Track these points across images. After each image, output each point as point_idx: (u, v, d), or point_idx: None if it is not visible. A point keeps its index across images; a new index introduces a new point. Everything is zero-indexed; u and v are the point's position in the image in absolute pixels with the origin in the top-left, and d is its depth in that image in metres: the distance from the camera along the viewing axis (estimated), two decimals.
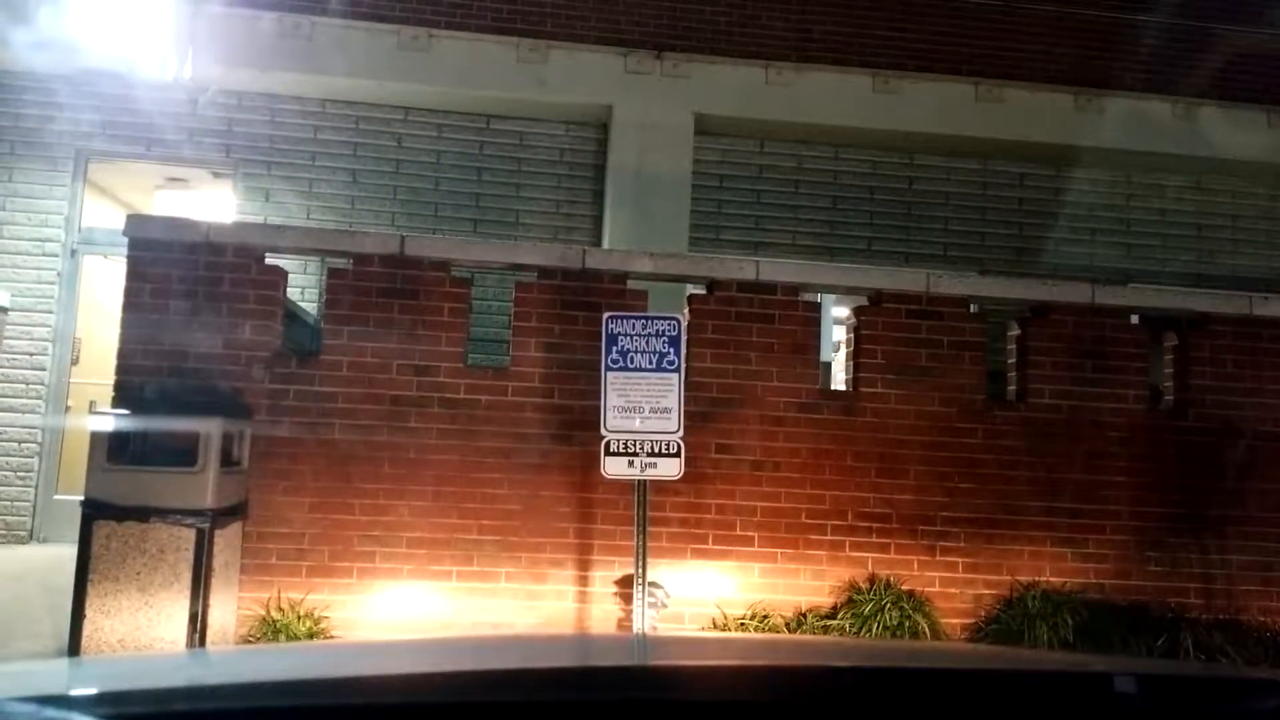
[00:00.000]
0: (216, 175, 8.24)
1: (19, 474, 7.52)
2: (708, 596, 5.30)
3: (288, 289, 5.51)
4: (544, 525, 5.26)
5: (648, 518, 4.70)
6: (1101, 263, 8.78)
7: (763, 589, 5.35)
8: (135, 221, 5.32)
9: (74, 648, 4.37)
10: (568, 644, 2.68)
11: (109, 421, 4.57)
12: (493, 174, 8.25)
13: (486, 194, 8.22)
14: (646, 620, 4.62)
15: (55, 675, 1.74)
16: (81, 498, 4.47)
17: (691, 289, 5.83)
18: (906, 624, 5.06)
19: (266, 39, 7.62)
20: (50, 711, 1.13)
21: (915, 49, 8.46)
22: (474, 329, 5.73)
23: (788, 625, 5.24)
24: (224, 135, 7.97)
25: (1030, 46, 8.62)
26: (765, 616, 5.23)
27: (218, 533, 4.55)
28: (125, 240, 5.22)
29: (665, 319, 4.79)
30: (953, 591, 5.49)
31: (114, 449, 4.46)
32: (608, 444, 4.63)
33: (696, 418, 5.23)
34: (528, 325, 5.40)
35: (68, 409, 7.64)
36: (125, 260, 5.23)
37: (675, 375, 4.69)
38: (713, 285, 5.58)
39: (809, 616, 5.28)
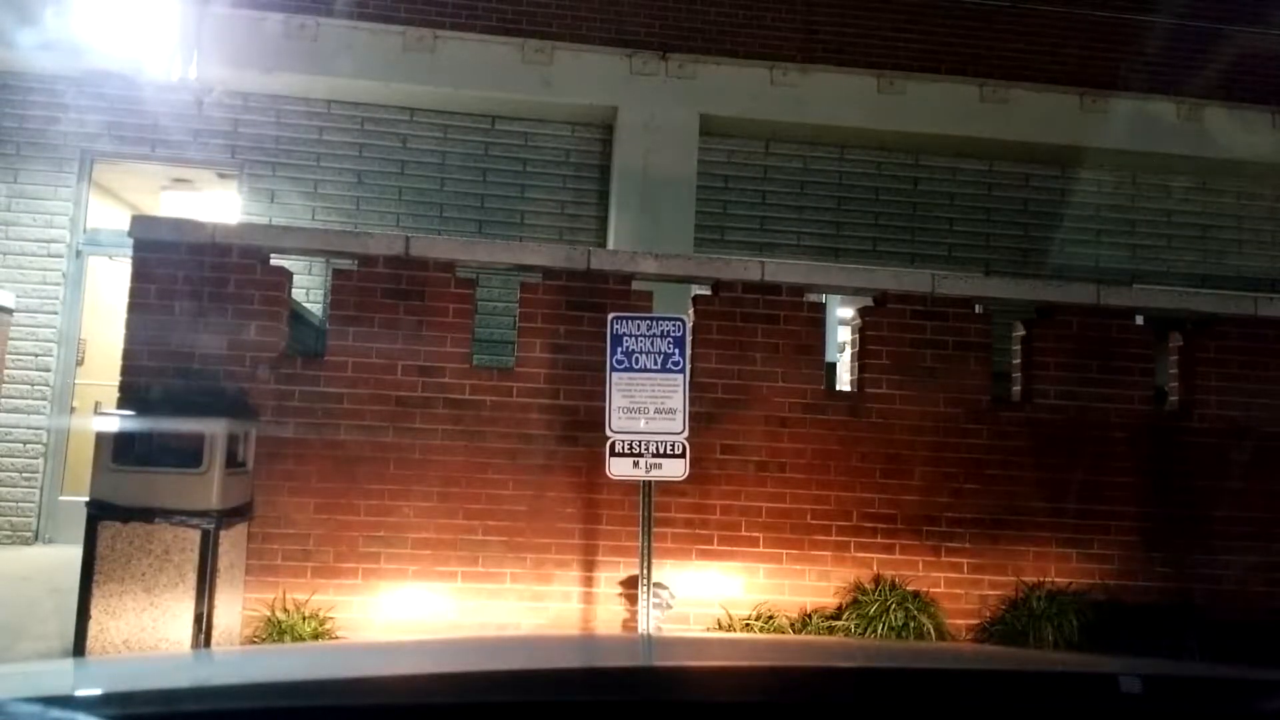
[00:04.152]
0: (221, 176, 8.25)
1: (24, 475, 7.53)
2: (713, 597, 5.30)
3: (293, 290, 5.51)
4: (549, 526, 5.26)
5: (653, 518, 4.69)
6: (1107, 263, 8.77)
7: (768, 590, 5.35)
8: (140, 222, 5.32)
9: (79, 648, 4.37)
10: (573, 645, 2.68)
11: (114, 422, 4.57)
12: (498, 175, 8.25)
13: (491, 195, 8.23)
14: (651, 621, 4.62)
15: (60, 676, 1.74)
16: (87, 499, 4.47)
17: (696, 290, 5.83)
18: (912, 625, 5.06)
19: (272, 40, 7.63)
20: (55, 712, 1.14)
21: (920, 50, 8.46)
22: (479, 330, 5.74)
23: (793, 626, 5.23)
24: (229, 136, 7.99)
25: (1036, 47, 8.61)
26: (770, 617, 5.22)
27: (223, 534, 4.55)
28: (130, 241, 5.23)
29: (670, 320, 4.78)
30: (958, 592, 5.48)
31: (119, 450, 4.47)
32: (613, 445, 4.63)
33: (701, 418, 5.23)
34: (533, 326, 5.40)
35: (73, 410, 7.65)
36: (130, 261, 5.23)
37: (680, 376, 4.68)
38: (718, 286, 5.57)
39: (814, 617, 5.28)
